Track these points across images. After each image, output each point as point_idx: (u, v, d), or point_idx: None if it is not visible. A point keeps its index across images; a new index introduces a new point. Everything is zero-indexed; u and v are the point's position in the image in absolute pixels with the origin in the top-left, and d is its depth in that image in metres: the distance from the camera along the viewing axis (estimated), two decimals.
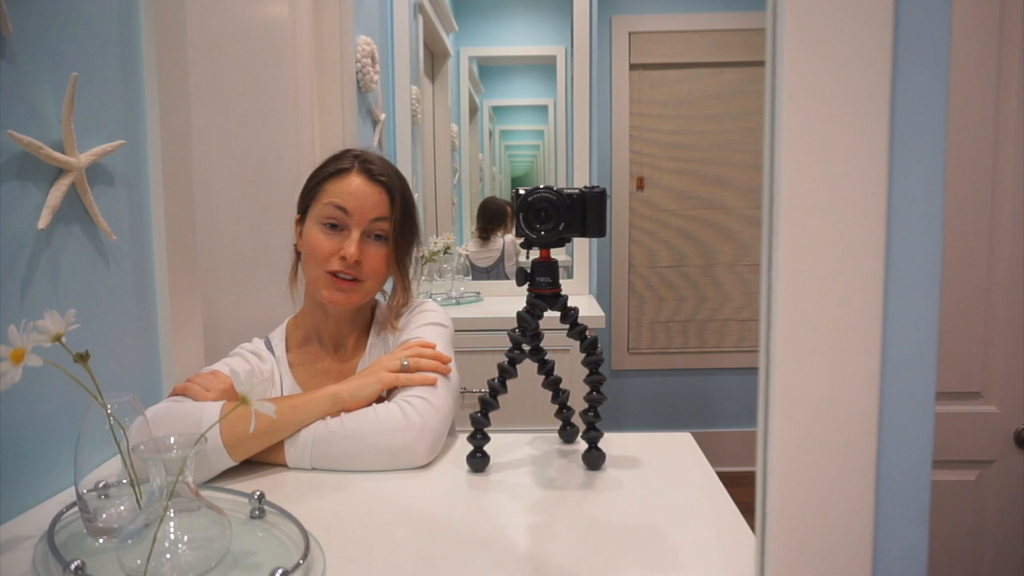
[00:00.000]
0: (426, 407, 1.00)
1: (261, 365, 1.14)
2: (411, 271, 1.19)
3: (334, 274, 1.10)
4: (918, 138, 0.42)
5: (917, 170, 0.43)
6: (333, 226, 1.10)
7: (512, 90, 3.10)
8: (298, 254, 1.18)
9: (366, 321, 1.22)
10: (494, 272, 2.90)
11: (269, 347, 1.19)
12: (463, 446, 1.04)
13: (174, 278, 1.14)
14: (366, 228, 1.11)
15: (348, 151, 1.16)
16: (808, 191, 0.42)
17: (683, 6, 3.22)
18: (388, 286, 1.23)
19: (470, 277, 2.81)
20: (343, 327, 1.18)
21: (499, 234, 2.90)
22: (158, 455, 0.65)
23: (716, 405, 3.40)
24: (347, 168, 1.12)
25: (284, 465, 0.99)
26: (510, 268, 2.88)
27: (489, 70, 3.04)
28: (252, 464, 1.03)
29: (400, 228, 1.13)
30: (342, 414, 1.01)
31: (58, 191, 0.92)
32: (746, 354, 3.37)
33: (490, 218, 2.91)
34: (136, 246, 1.10)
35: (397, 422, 0.99)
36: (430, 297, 2.10)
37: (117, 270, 1.05)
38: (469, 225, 2.98)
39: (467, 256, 2.85)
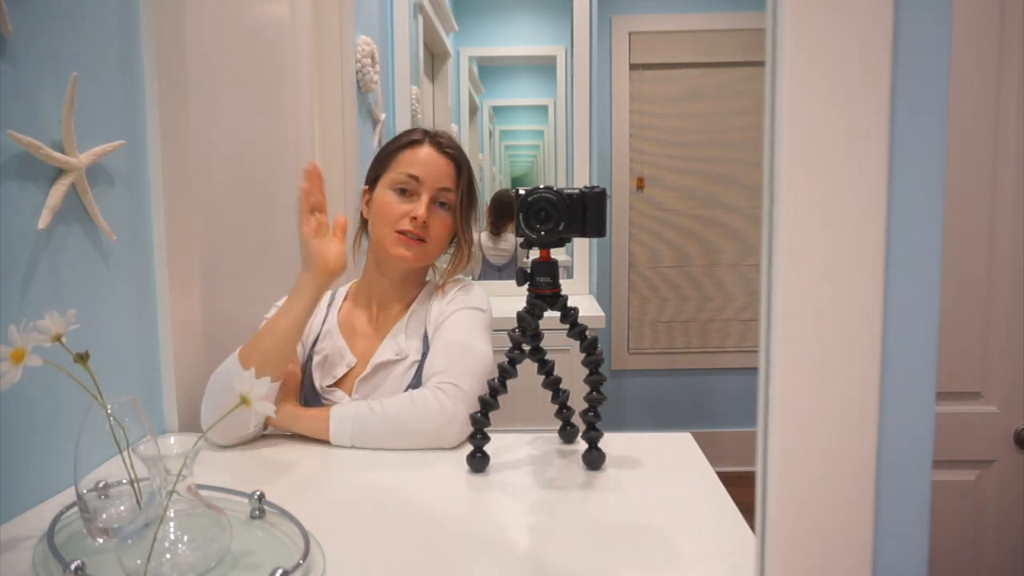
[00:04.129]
0: (457, 394, 1.06)
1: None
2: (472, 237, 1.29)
3: (402, 232, 1.18)
4: (918, 137, 0.42)
5: (917, 169, 0.43)
6: (404, 191, 1.19)
7: (512, 90, 3.10)
8: (364, 222, 1.27)
9: (413, 295, 1.28)
10: (507, 271, 2.84)
11: (332, 295, 1.30)
12: (463, 446, 1.04)
13: (174, 278, 1.14)
14: (434, 195, 1.20)
15: (417, 128, 1.26)
16: (808, 191, 0.42)
17: (683, 6, 3.22)
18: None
19: (471, 277, 2.80)
20: (391, 295, 1.26)
21: (511, 231, 2.85)
22: (158, 455, 0.65)
23: (716, 405, 3.39)
24: (419, 140, 1.22)
25: (327, 441, 1.07)
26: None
27: (489, 70, 3.03)
28: (252, 464, 1.03)
29: (465, 198, 1.23)
30: (380, 398, 1.10)
31: (58, 191, 0.92)
32: (748, 354, 3.36)
33: (503, 212, 2.84)
34: (136, 246, 1.10)
35: (431, 407, 1.05)
36: None
37: (117, 270, 1.05)
38: None
39: (480, 251, 2.81)
